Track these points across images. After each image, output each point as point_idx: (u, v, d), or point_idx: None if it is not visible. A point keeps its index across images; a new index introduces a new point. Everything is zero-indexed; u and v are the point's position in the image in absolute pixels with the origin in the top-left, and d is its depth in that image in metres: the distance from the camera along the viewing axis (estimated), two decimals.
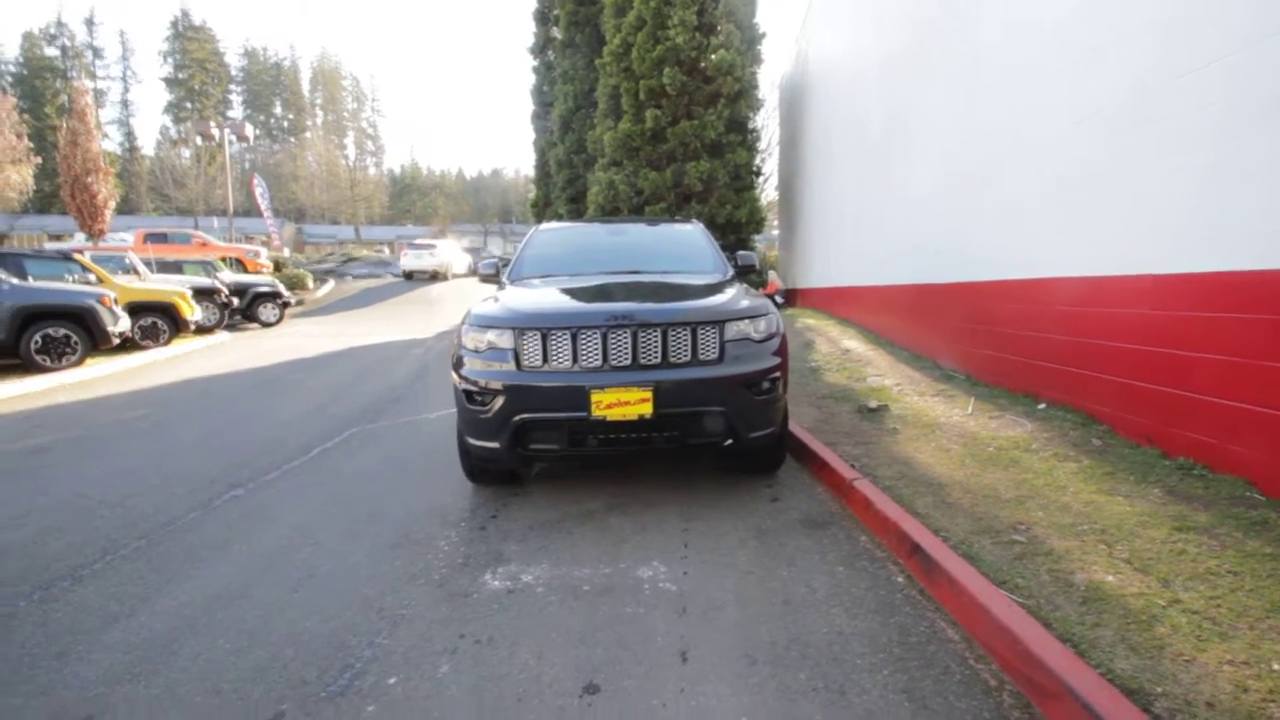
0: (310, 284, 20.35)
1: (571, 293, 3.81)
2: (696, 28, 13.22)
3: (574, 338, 3.22)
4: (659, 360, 3.23)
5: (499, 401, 3.22)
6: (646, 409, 3.13)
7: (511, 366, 3.26)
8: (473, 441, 3.43)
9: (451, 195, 57.56)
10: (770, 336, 3.48)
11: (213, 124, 22.34)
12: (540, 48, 19.72)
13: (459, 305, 18.98)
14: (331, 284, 22.98)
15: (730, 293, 3.67)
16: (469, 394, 3.36)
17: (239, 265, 17.34)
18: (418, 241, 25.70)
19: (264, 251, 19.54)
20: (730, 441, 3.33)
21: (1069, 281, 4.34)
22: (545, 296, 3.76)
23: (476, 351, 3.40)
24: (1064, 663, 1.78)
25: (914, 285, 7.11)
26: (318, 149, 47.34)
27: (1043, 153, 4.70)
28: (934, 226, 6.56)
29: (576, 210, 17.90)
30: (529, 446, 3.30)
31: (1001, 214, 5.30)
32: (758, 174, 15.07)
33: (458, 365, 3.52)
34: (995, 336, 5.38)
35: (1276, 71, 2.88)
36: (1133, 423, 3.78)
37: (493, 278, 4.77)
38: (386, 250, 42.96)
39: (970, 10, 5.85)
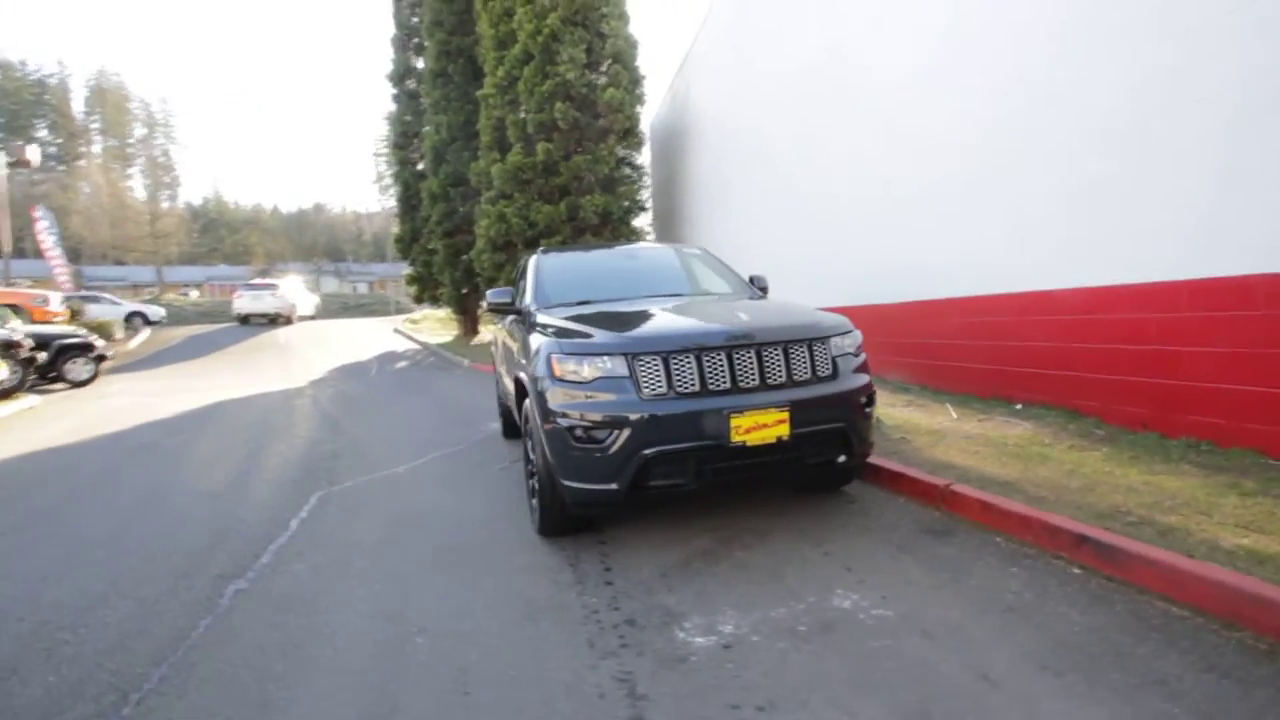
0: (119, 333, 17.02)
1: (645, 315, 3.55)
2: (585, 65, 13.40)
3: (698, 360, 3.00)
4: (784, 379, 3.11)
5: (622, 437, 2.88)
6: (785, 430, 2.98)
7: (631, 396, 2.94)
8: (578, 486, 3.02)
9: (269, 231, 51.90)
10: (860, 350, 3.51)
11: None
12: (400, 76, 18.73)
13: (320, 351, 17.10)
14: (146, 332, 19.42)
15: (813, 309, 3.66)
16: (574, 431, 2.96)
17: (24, 314, 14.03)
18: (255, 281, 22.68)
19: (53, 296, 16.01)
20: (844, 458, 3.29)
21: (1050, 294, 4.90)
22: (627, 319, 3.45)
23: (577, 384, 3.02)
24: None
25: (853, 307, 7.63)
26: (96, 179, 40.22)
27: (1027, 175, 5.21)
28: (885, 251, 7.09)
29: (454, 246, 17.05)
30: (650, 484, 2.98)
31: (978, 234, 5.79)
32: (644, 209, 15.45)
33: (544, 402, 3.10)
34: (958, 348, 5.93)
35: None
36: (1126, 413, 4.35)
37: (508, 306, 4.33)
38: (194, 293, 37.49)
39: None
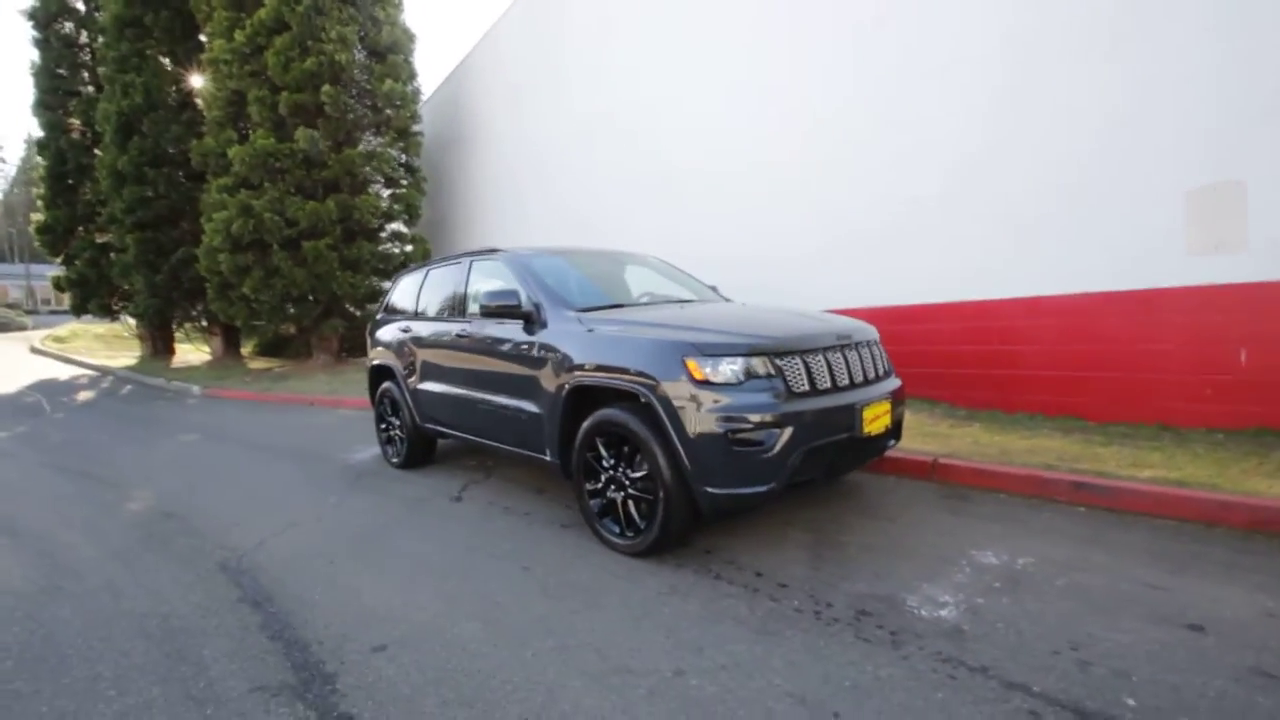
0: None
1: (730, 317, 3.53)
2: (358, 48, 11.93)
3: (826, 358, 3.14)
4: (874, 374, 3.44)
5: (784, 436, 2.86)
6: (888, 420, 3.32)
7: (784, 395, 2.94)
8: (730, 491, 2.88)
9: None
10: None
11: None
12: (50, 16, 13.91)
13: None
14: None
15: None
16: (730, 435, 2.84)
17: None
18: None
19: None
20: (893, 441, 3.75)
21: (911, 308, 6.17)
22: (718, 319, 3.38)
23: (725, 386, 2.90)
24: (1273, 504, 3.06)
25: None
26: None
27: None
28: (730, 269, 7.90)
29: (155, 242, 13.33)
30: (794, 480, 3.01)
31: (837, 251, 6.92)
32: (420, 215, 14.28)
33: (684, 407, 2.90)
34: None
35: None
36: (973, 397, 5.75)
37: (514, 310, 3.78)
38: None
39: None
